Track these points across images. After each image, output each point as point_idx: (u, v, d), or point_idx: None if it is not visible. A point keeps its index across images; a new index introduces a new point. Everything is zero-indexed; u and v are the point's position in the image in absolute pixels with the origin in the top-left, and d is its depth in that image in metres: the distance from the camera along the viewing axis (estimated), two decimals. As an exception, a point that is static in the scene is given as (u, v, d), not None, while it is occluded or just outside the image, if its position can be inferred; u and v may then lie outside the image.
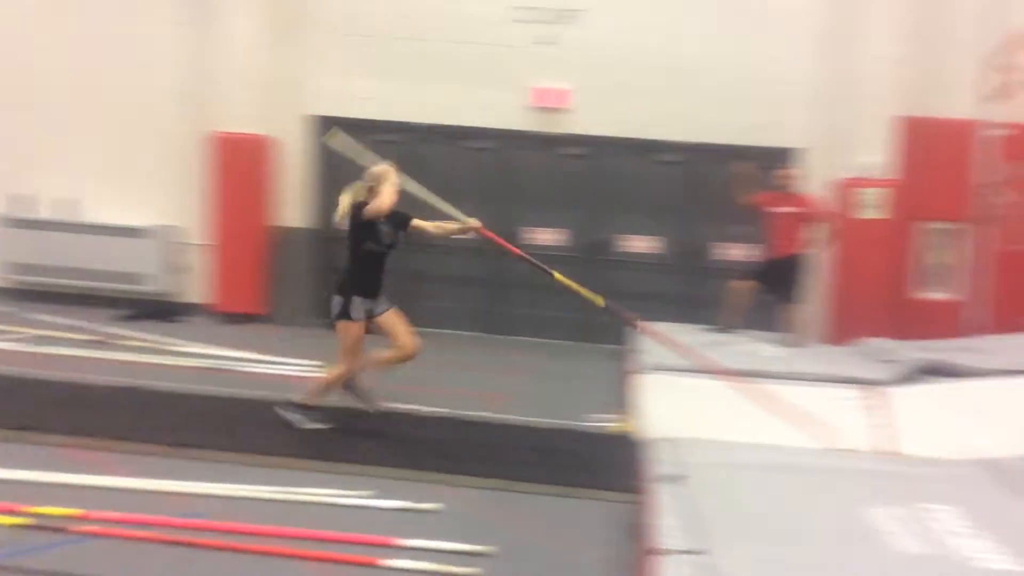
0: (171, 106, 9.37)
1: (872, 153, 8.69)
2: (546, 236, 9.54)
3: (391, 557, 3.73)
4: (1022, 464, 4.43)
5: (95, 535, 3.82)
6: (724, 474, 4.08)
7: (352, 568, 3.67)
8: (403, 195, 5.46)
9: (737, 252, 9.21)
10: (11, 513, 3.92)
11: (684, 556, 3.11)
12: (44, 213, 9.61)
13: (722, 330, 8.07)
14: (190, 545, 3.76)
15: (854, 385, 6.17)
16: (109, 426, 5.30)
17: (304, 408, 5.55)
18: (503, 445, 5.53)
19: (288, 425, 5.51)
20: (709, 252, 9.44)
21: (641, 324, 6.83)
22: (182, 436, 5.24)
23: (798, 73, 8.87)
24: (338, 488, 4.49)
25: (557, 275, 6.04)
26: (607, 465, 5.11)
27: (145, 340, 7.95)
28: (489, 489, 4.73)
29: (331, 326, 5.58)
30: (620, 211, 9.49)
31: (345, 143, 5.83)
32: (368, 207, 5.29)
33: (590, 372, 8.03)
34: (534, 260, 6.15)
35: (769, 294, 8.09)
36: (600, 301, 6.05)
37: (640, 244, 9.51)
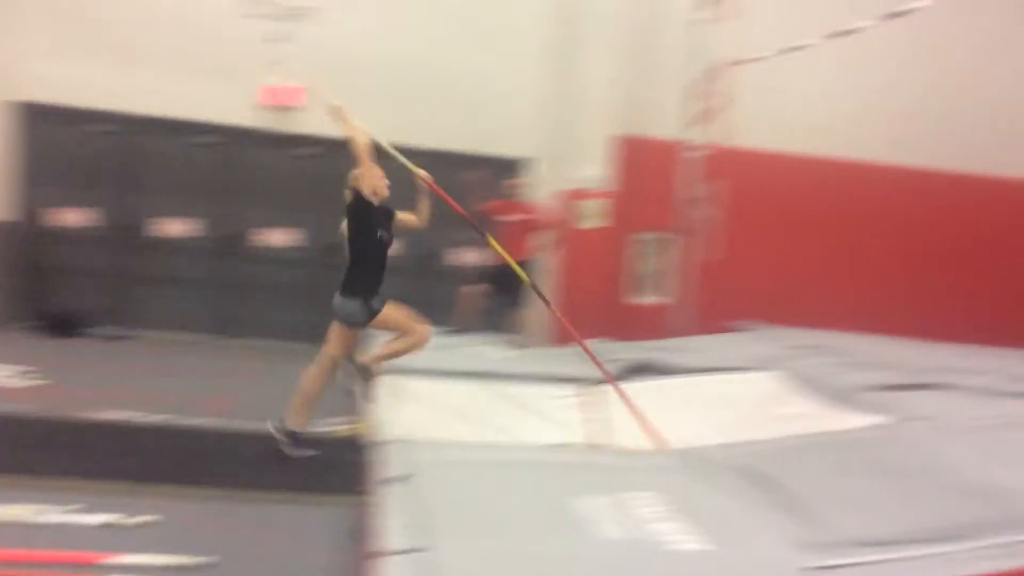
0: None
1: (593, 167, 9.32)
2: (280, 237, 9.31)
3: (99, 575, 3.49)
4: (716, 452, 4.92)
5: None
6: (449, 473, 4.21)
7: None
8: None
9: (469, 257, 9.51)
10: None
11: (406, 555, 3.18)
12: None
13: (454, 332, 8.28)
14: None
15: (573, 384, 6.55)
16: None
17: (366, 370, 5.53)
18: (227, 453, 5.33)
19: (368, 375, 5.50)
20: (443, 257, 9.66)
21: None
22: None
23: (527, 87, 9.33)
24: (38, 504, 4.13)
25: (491, 240, 6.21)
26: (338, 469, 5.08)
27: None
28: (212, 499, 4.55)
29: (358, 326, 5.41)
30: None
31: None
32: (363, 189, 5.10)
33: (323, 375, 7.90)
34: (474, 221, 6.29)
35: (498, 298, 8.41)
36: (525, 278, 6.29)
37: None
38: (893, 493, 4.13)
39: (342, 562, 3.89)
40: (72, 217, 8.89)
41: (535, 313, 8.89)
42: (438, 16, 9.30)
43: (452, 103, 9.20)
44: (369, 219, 5.29)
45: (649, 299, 9.61)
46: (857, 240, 10.05)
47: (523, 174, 9.10)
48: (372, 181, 5.17)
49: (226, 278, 9.29)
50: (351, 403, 6.52)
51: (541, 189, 9.04)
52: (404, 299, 9.25)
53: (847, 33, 6.88)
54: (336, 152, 9.37)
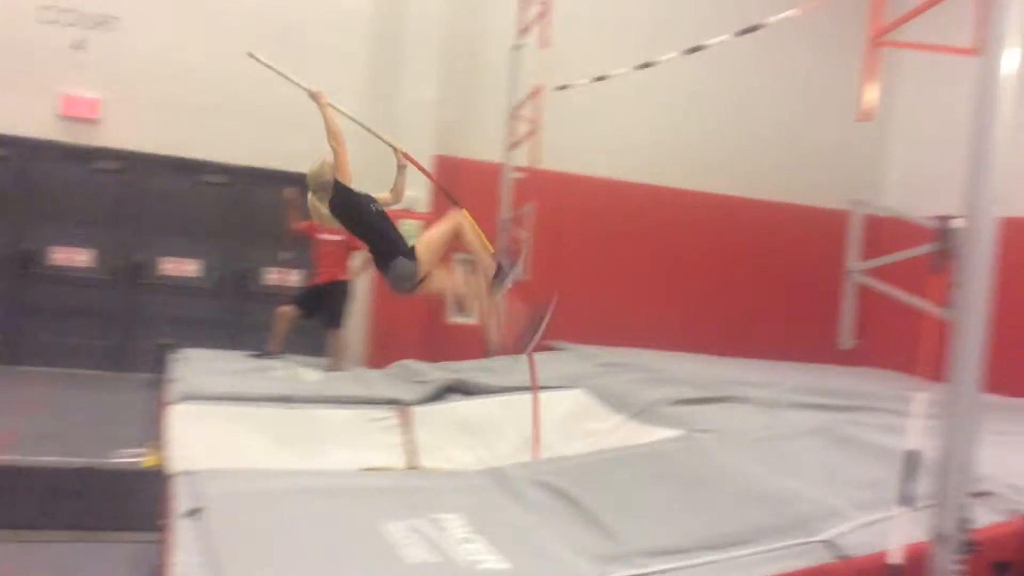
0: None
1: (415, 188, 9.32)
2: (74, 256, 8.74)
3: None
4: (518, 471, 5.01)
5: None
6: (248, 503, 4.05)
7: None
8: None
9: (285, 277, 9.28)
10: None
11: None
12: None
13: (266, 356, 8.03)
14: None
15: (386, 406, 6.50)
16: None
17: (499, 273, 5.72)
18: (5, 490, 4.94)
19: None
20: (256, 277, 9.38)
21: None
22: None
23: (346, 106, 9.21)
24: None
25: (466, 212, 6.14)
26: (134, 504, 4.82)
27: None
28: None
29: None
30: (159, 232, 9.05)
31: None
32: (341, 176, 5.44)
33: (123, 404, 7.43)
34: (450, 193, 6.35)
35: (314, 319, 8.25)
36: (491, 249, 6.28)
37: (181, 267, 9.14)
38: (685, 503, 4.35)
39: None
40: None
41: (351, 334, 8.79)
42: (250, 32, 9.04)
43: (264, 120, 8.96)
44: (357, 199, 5.65)
45: (466, 319, 9.69)
46: (662, 261, 10.62)
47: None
48: (344, 168, 5.59)
49: (14, 299, 8.63)
50: (154, 430, 6.20)
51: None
52: (216, 321, 9.01)
53: (647, 66, 7.23)
54: (135, 167, 8.97)
